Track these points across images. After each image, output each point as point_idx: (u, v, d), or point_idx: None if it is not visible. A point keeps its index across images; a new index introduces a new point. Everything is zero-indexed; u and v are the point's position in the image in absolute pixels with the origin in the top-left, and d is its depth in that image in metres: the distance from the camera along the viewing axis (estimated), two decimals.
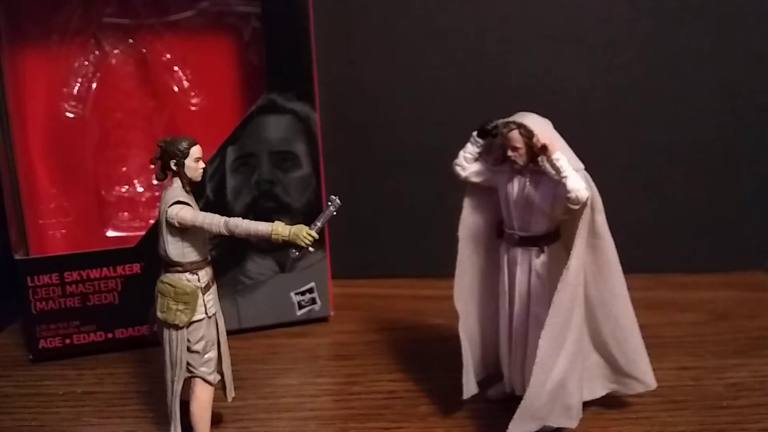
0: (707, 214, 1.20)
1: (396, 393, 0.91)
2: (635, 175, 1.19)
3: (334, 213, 0.78)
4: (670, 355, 0.96)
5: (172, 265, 0.78)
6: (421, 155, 1.18)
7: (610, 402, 0.86)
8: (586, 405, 0.82)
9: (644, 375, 0.84)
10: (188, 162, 0.77)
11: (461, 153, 0.83)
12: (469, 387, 0.84)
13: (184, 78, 1.07)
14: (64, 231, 1.06)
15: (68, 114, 1.04)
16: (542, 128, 0.78)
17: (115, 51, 1.05)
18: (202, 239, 0.78)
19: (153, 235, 0.81)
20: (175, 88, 1.07)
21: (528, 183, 0.79)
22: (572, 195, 0.74)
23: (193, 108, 1.07)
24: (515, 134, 0.78)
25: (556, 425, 0.79)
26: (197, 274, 0.78)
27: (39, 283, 0.99)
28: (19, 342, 1.05)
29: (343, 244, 1.14)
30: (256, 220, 0.77)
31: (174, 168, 0.77)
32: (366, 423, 0.85)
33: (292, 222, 0.76)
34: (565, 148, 0.78)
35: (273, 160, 1.03)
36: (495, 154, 0.83)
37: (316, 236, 0.76)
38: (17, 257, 1.00)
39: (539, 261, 0.80)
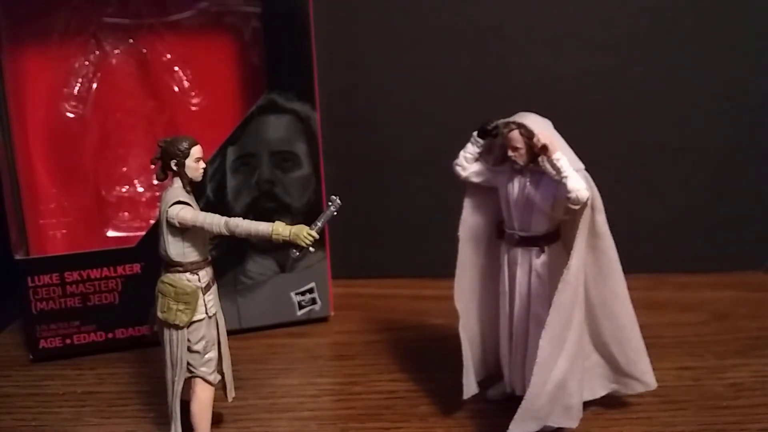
0: (707, 214, 1.20)
1: (396, 393, 0.91)
2: (635, 175, 1.19)
3: (335, 213, 0.78)
4: (670, 355, 0.96)
5: (172, 265, 0.78)
6: (421, 155, 1.18)
7: (610, 402, 0.86)
8: (586, 405, 0.83)
9: (644, 375, 0.84)
10: (189, 162, 0.77)
11: (461, 153, 0.83)
12: (470, 387, 0.84)
13: (184, 78, 1.07)
14: (64, 231, 1.06)
15: (68, 114, 1.04)
16: (542, 128, 0.78)
17: (116, 51, 1.05)
18: (203, 239, 0.78)
19: (153, 235, 0.81)
20: (176, 88, 1.07)
21: (528, 183, 0.79)
22: (573, 195, 0.74)
23: (193, 108, 1.07)
24: (515, 134, 0.78)
25: (556, 425, 0.79)
26: (198, 274, 0.78)
27: (39, 283, 0.99)
28: (19, 342, 1.05)
29: (343, 244, 1.14)
30: (256, 220, 0.77)
31: (174, 168, 0.77)
32: (366, 423, 0.85)
33: (293, 222, 0.76)
34: (565, 148, 0.78)
35: (273, 160, 1.03)
36: (495, 154, 0.83)
37: (317, 236, 0.76)
38: (17, 257, 1.00)
39: (539, 261, 0.80)
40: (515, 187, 0.80)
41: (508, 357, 0.85)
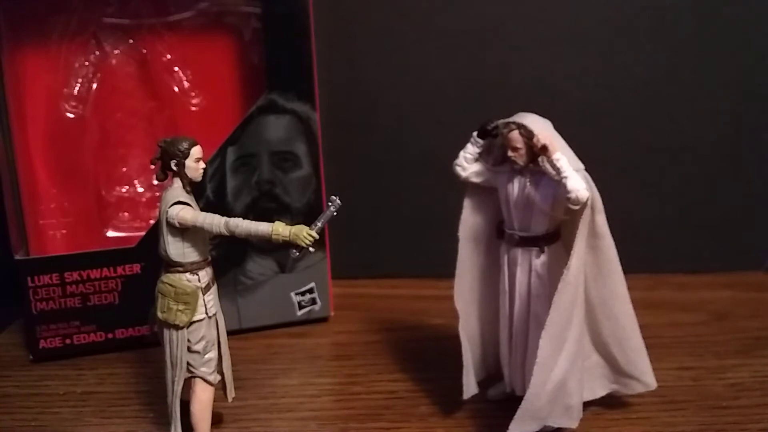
0: (707, 214, 1.20)
1: (396, 393, 0.91)
2: (635, 175, 1.19)
3: (335, 213, 0.78)
4: (670, 355, 0.96)
5: (172, 266, 0.78)
6: (421, 155, 1.18)
7: (610, 402, 0.86)
8: (586, 405, 0.82)
9: (644, 375, 0.84)
10: (189, 162, 0.77)
11: (461, 153, 0.83)
12: (470, 387, 0.84)
13: (184, 78, 1.07)
14: (64, 231, 1.06)
15: (68, 114, 1.04)
16: (542, 128, 0.78)
17: (116, 51, 1.05)
18: (203, 239, 0.78)
19: (153, 235, 0.81)
20: (176, 89, 1.07)
21: (528, 183, 0.79)
22: (572, 195, 0.74)
23: (193, 108, 1.07)
24: (515, 134, 0.78)
25: (556, 425, 0.79)
26: (197, 275, 0.78)
27: (39, 283, 0.99)
28: (19, 342, 1.05)
29: (343, 244, 1.14)
30: (256, 220, 0.77)
31: (174, 168, 0.77)
32: (366, 423, 0.85)
33: (293, 222, 0.76)
34: (565, 148, 0.78)
35: (273, 161, 1.03)
36: (495, 155, 0.83)
37: (317, 236, 0.76)
38: (17, 257, 1.00)
39: (539, 261, 0.80)
40: (515, 187, 0.80)
41: (508, 357, 0.85)
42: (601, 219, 0.79)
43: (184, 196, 0.77)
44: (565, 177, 0.74)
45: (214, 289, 0.80)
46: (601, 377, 0.85)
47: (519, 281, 0.82)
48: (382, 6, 1.16)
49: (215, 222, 0.76)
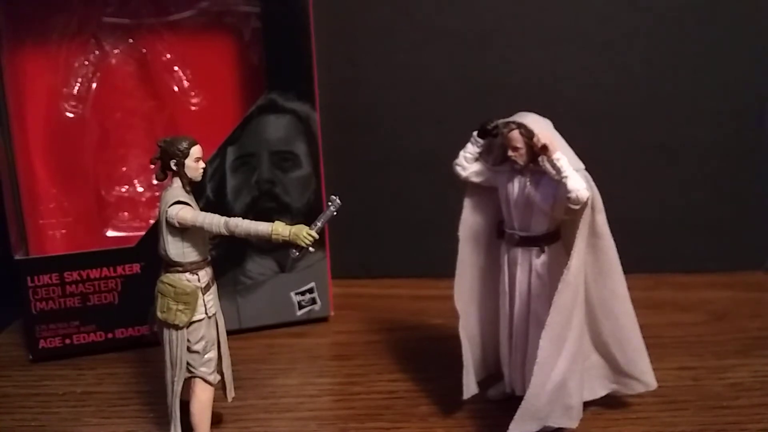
0: (707, 214, 1.20)
1: (396, 393, 0.91)
2: (635, 175, 1.19)
3: (335, 213, 0.78)
4: (670, 355, 0.96)
5: (172, 265, 0.78)
6: (421, 155, 1.18)
7: (610, 402, 0.86)
8: (586, 405, 0.82)
9: (644, 375, 0.84)
10: (188, 162, 0.77)
11: (461, 153, 0.83)
12: (470, 387, 0.84)
13: (184, 78, 1.07)
14: (64, 231, 1.06)
15: (68, 114, 1.04)
16: (542, 128, 0.78)
17: (115, 51, 1.05)
18: (202, 239, 0.78)
19: (153, 235, 0.81)
20: (175, 88, 1.07)
21: (528, 183, 0.79)
22: (573, 195, 0.74)
23: (193, 108, 1.07)
24: (515, 134, 0.78)
25: (556, 425, 0.79)
26: (197, 274, 0.78)
27: (39, 283, 0.99)
28: (19, 342, 1.05)
29: (343, 244, 1.14)
30: (256, 220, 0.77)
31: (174, 168, 0.77)
32: (366, 423, 0.85)
33: (293, 222, 0.76)
34: (565, 148, 0.78)
35: (273, 160, 1.03)
36: (495, 154, 0.83)
37: (317, 236, 0.76)
38: (17, 257, 1.00)
39: (539, 261, 0.80)
40: (515, 187, 0.80)
41: (508, 357, 0.85)
42: (602, 219, 0.79)
43: (184, 196, 0.77)
44: (566, 177, 0.74)
45: (213, 289, 0.80)
46: (601, 377, 0.85)
47: (519, 281, 0.82)
48: (382, 6, 1.16)
49: (215, 222, 0.76)
